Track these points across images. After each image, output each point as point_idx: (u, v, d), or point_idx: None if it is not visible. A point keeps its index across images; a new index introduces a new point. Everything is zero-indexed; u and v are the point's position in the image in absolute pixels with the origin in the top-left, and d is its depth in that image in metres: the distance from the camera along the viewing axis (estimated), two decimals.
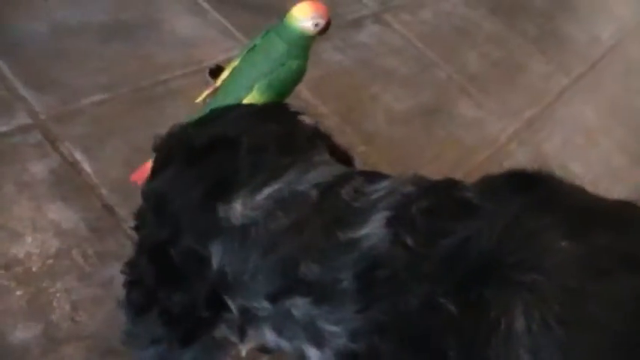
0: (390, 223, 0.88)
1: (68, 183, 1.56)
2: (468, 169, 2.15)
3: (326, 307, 0.91)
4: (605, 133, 2.78)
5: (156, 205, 1.11)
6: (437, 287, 0.82)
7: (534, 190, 0.87)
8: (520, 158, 2.33)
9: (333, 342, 0.91)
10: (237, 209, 0.99)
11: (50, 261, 1.40)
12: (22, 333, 1.28)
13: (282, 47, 1.30)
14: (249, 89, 1.31)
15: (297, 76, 1.33)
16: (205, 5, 2.27)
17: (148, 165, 1.26)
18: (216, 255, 1.00)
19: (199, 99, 1.35)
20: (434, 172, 2.03)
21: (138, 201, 1.22)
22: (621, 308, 0.75)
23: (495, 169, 2.21)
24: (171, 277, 1.06)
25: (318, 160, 1.08)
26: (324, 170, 1.04)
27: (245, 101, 1.30)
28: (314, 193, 0.99)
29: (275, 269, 0.96)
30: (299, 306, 0.93)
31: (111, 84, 1.84)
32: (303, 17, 1.28)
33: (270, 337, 1.01)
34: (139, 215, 1.17)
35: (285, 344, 1.00)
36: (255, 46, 1.34)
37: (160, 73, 1.96)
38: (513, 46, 2.99)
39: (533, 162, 2.28)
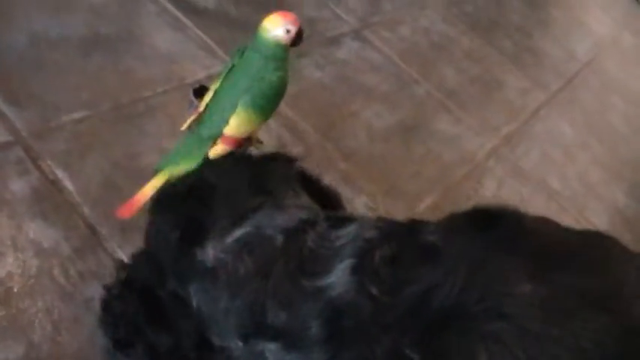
0: (354, 271, 0.89)
1: (49, 201, 1.55)
2: (447, 186, 2.17)
3: (296, 353, 0.92)
4: (582, 148, 2.82)
5: (147, 249, 1.17)
6: (402, 337, 0.82)
7: (497, 231, 0.87)
8: (498, 174, 2.35)
9: None
10: (210, 252, 1.02)
11: (31, 281, 1.39)
12: (2, 355, 1.27)
13: (259, 61, 1.30)
14: (233, 107, 1.29)
15: (280, 89, 1.32)
16: (185, 20, 2.27)
17: (137, 199, 1.26)
18: (194, 296, 1.04)
19: (184, 126, 1.34)
20: (414, 188, 2.08)
21: (119, 220, 1.22)
22: (585, 351, 0.75)
23: (474, 185, 2.25)
24: (159, 317, 1.09)
25: (289, 204, 1.09)
26: (293, 214, 1.05)
27: (231, 120, 1.29)
28: (280, 238, 1.00)
29: (243, 312, 0.98)
30: (271, 349, 0.94)
31: (91, 100, 1.83)
32: (274, 26, 1.29)
33: None
34: (136, 256, 1.23)
35: None
36: (233, 66, 1.34)
37: (141, 89, 1.95)
38: (491, 62, 3.02)
39: (512, 178, 2.33)
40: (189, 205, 1.12)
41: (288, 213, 1.05)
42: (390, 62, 2.61)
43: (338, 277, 0.89)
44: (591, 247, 0.88)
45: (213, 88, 1.36)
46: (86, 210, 1.57)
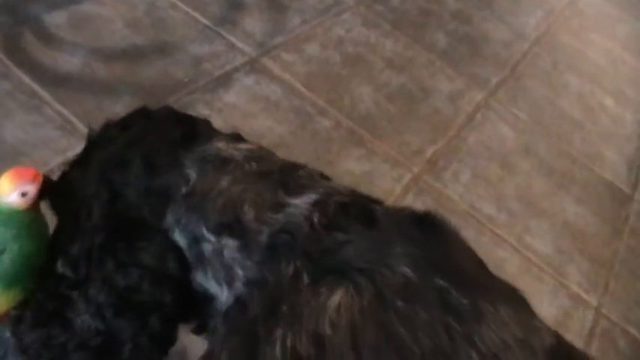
0: (313, 204, 1.03)
1: None
2: None
3: (244, 252, 1.03)
4: (525, 153, 2.55)
5: None
6: (306, 263, 0.97)
7: (425, 233, 1.00)
8: None
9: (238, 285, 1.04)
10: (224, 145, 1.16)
11: None
12: None
13: None
14: None
15: (26, 260, 1.11)
16: (43, 93, 2.02)
17: None
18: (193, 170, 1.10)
19: None
20: None
21: None
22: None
23: None
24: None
25: None
26: None
27: None
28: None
29: (235, 202, 1.07)
30: (229, 246, 1.04)
31: None
32: (5, 192, 1.07)
33: (202, 279, 1.09)
34: None
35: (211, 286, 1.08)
36: None
37: None
38: (418, 67, 2.73)
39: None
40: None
41: None
42: (291, 93, 2.33)
43: (301, 202, 1.04)
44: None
45: None
46: None
